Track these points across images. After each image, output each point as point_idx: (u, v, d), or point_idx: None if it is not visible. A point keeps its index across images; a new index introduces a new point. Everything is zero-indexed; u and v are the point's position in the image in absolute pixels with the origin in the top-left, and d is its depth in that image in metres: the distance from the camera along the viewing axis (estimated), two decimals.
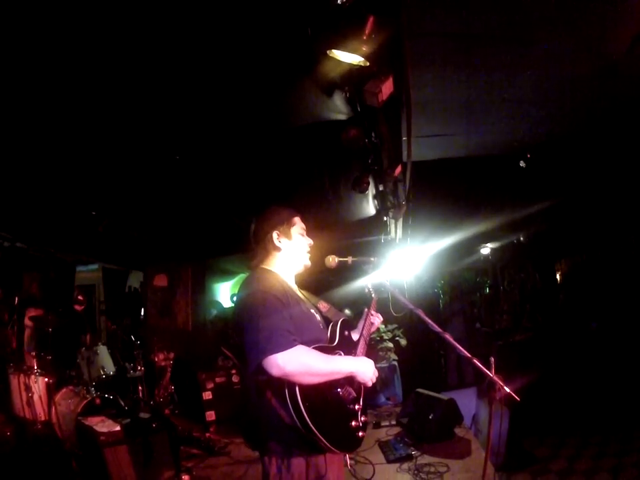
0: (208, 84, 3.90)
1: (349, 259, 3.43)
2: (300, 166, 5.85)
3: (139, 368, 7.37)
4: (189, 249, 10.14)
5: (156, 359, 7.91)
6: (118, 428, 5.37)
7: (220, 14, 3.06)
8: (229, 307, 13.87)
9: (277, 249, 2.90)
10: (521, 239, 11.69)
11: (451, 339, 2.84)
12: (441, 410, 6.63)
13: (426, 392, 7.29)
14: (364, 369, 2.71)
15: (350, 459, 6.19)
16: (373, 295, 3.59)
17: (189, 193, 6.53)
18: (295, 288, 2.95)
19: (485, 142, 6.09)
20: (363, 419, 2.74)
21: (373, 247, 9.23)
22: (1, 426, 6.10)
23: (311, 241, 3.07)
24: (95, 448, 5.18)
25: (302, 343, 2.47)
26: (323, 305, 3.19)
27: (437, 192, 7.73)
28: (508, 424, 5.64)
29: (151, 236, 8.73)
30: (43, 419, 6.20)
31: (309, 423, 2.35)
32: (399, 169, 5.34)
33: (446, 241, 8.93)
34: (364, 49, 3.06)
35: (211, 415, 7.79)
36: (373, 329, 3.42)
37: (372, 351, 3.27)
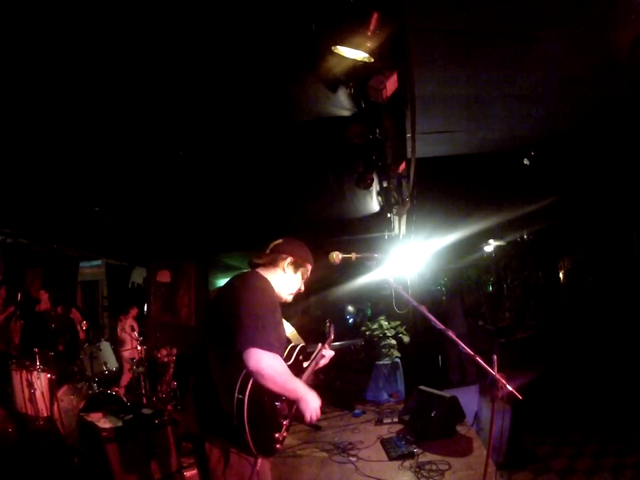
0: (213, 80, 3.90)
1: (353, 255, 3.46)
2: (304, 162, 5.85)
3: (142, 364, 7.37)
4: (192, 245, 10.16)
5: (159, 355, 7.91)
6: (120, 424, 5.36)
7: (225, 10, 3.05)
8: None
9: (282, 269, 3.15)
10: (524, 236, 11.68)
11: (454, 336, 2.84)
12: (443, 407, 6.63)
13: (428, 389, 7.29)
14: (311, 403, 2.89)
15: (353, 456, 6.22)
16: (331, 334, 3.76)
17: (192, 189, 6.53)
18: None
19: (489, 139, 6.08)
20: (284, 434, 2.95)
21: (376, 244, 9.22)
22: (3, 422, 6.11)
23: (302, 288, 3.30)
24: (97, 444, 5.17)
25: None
26: (288, 326, 3.43)
27: (441, 189, 7.73)
28: (510, 422, 5.63)
29: (154, 232, 8.74)
30: (44, 415, 6.20)
31: (245, 416, 2.58)
32: (403, 166, 5.33)
33: (449, 237, 8.92)
34: (368, 45, 3.06)
35: None
36: (322, 363, 3.57)
37: (314, 380, 3.48)
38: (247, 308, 2.71)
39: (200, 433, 2.89)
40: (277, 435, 2.86)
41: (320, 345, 3.56)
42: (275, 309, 2.90)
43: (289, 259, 3.16)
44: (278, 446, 2.89)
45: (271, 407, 2.81)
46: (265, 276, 3.04)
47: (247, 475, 2.78)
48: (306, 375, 3.28)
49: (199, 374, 2.94)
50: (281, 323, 3.01)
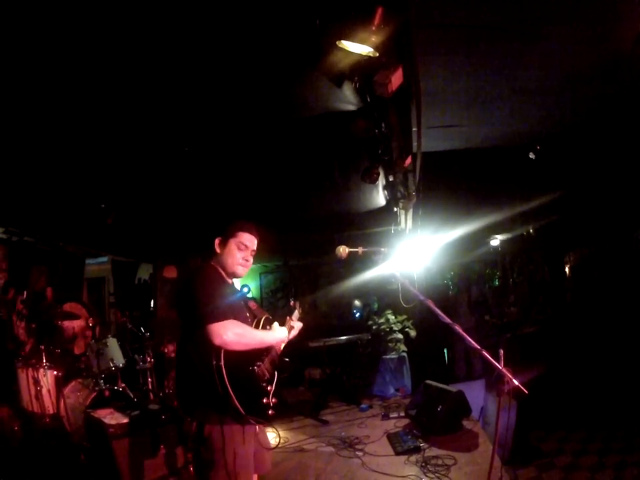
0: (217, 75, 3.90)
1: (360, 250, 3.55)
2: (310, 157, 5.84)
3: (148, 360, 7.38)
4: (199, 240, 10.16)
5: (165, 350, 7.92)
6: (126, 420, 5.38)
7: (230, 6, 3.05)
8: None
9: (218, 252, 3.47)
10: (530, 230, 11.65)
11: (461, 330, 2.84)
12: (449, 402, 6.64)
13: (435, 384, 7.30)
14: (279, 336, 3.49)
15: (358, 450, 6.23)
16: (296, 309, 4.02)
17: (198, 184, 6.53)
18: (231, 285, 3.56)
19: (494, 133, 6.07)
20: (273, 400, 3.23)
21: (383, 238, 9.22)
22: (8, 420, 6.13)
23: (249, 259, 3.51)
24: (104, 440, 5.20)
25: None
26: (252, 304, 3.74)
27: (447, 183, 7.71)
28: (515, 417, 5.63)
29: (160, 228, 8.74)
30: (51, 412, 6.21)
31: (225, 380, 2.88)
32: (409, 160, 5.33)
33: (456, 232, 8.91)
34: (373, 39, 3.06)
35: None
36: (294, 333, 3.83)
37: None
38: (199, 292, 3.13)
39: (194, 418, 3.27)
40: (264, 400, 3.16)
41: (288, 317, 3.82)
42: (221, 286, 3.30)
43: (217, 241, 3.47)
44: (270, 412, 3.18)
45: (250, 371, 3.12)
46: (214, 264, 3.44)
47: (239, 444, 3.06)
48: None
49: (180, 362, 3.30)
50: (232, 296, 3.37)
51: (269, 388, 3.24)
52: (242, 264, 3.44)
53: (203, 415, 3.08)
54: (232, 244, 3.41)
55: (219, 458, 2.99)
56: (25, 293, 7.62)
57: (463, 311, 10.90)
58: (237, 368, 2.98)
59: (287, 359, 3.79)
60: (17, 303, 7.55)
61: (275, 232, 9.10)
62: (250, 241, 3.48)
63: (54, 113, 4.26)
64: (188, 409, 3.23)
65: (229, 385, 2.87)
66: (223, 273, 3.43)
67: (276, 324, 3.60)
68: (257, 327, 3.42)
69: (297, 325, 3.84)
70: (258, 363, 3.21)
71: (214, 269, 3.40)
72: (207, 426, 3.04)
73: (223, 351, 2.93)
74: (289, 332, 3.70)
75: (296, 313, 3.94)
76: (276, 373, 3.41)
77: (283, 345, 3.66)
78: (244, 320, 3.31)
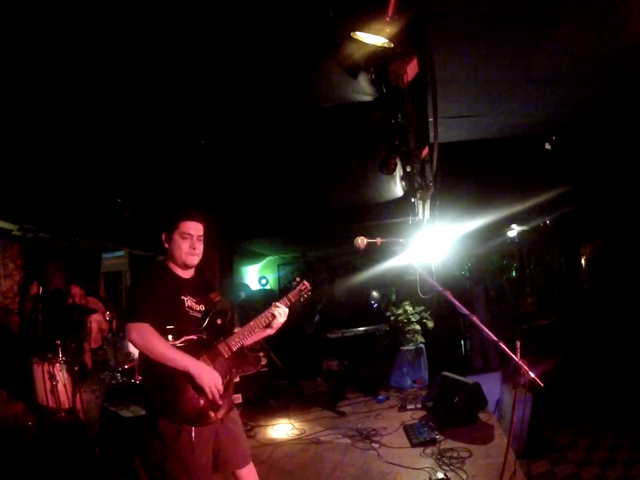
0: (235, 68, 3.90)
1: (378, 240, 3.52)
2: (328, 148, 5.84)
3: None
4: (216, 232, 10.18)
5: None
6: (143, 413, 5.41)
7: None
8: (257, 290, 13.92)
9: (167, 247, 3.44)
10: (547, 222, 11.57)
11: (478, 321, 2.83)
12: (465, 394, 6.62)
13: (451, 375, 7.29)
14: (200, 374, 3.07)
15: (374, 441, 6.24)
16: (294, 286, 3.82)
17: (215, 177, 6.54)
18: (185, 279, 3.46)
19: (510, 123, 6.03)
20: (219, 402, 3.14)
21: (400, 229, 9.20)
22: (23, 416, 6.19)
23: (196, 246, 3.43)
24: (120, 433, 5.23)
25: (159, 321, 3.07)
26: (214, 295, 3.61)
27: (464, 174, 7.68)
28: (530, 410, 5.60)
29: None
30: (66, 406, 6.25)
31: (146, 388, 3.09)
32: (425, 150, 5.32)
33: (473, 222, 8.86)
34: (387, 30, 3.05)
35: (237, 398, 7.84)
36: (278, 322, 3.62)
37: (253, 345, 3.67)
38: (131, 289, 3.39)
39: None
40: (202, 402, 3.08)
41: (273, 303, 3.64)
42: (160, 284, 3.24)
43: (163, 236, 3.45)
44: (212, 414, 3.12)
45: (173, 373, 3.01)
46: (166, 259, 3.45)
47: (185, 444, 3.03)
48: (233, 338, 3.42)
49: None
50: (172, 295, 3.26)
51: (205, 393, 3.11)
52: (190, 252, 3.39)
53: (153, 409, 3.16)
54: (176, 235, 3.39)
55: (165, 452, 3.06)
56: (41, 288, 7.68)
57: (480, 302, 10.85)
58: (153, 368, 3.02)
59: (256, 354, 3.56)
60: (39, 298, 7.63)
61: (292, 224, 9.11)
62: (194, 228, 3.43)
63: (69, 107, 4.28)
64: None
65: (145, 384, 3.08)
66: (175, 268, 3.42)
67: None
68: (202, 320, 3.35)
69: (279, 312, 3.58)
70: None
71: (161, 266, 3.45)
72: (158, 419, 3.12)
73: (138, 353, 3.10)
74: (253, 330, 3.51)
75: (293, 294, 3.74)
76: (229, 371, 3.32)
77: (250, 337, 3.50)
78: (182, 314, 3.27)
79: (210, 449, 3.22)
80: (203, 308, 3.42)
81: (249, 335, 3.48)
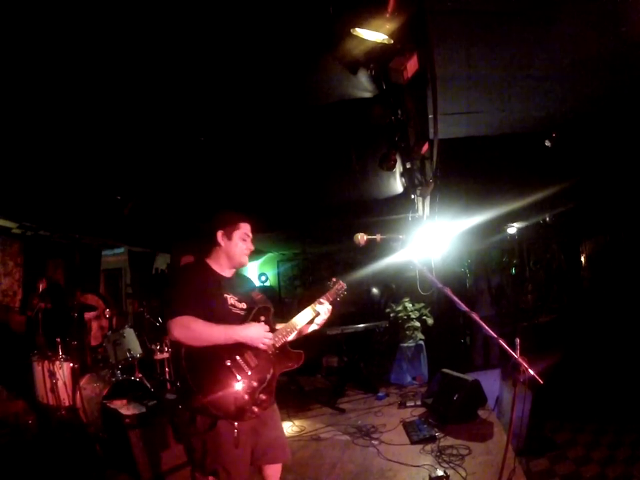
0: (233, 64, 3.89)
1: (378, 237, 3.54)
2: (327, 144, 5.83)
3: (166, 350, 7.41)
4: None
5: None
6: (144, 410, 5.41)
7: None
8: (258, 286, 13.96)
9: (219, 244, 3.46)
10: (547, 218, 11.57)
11: (478, 318, 2.84)
12: (465, 391, 6.64)
13: (451, 372, 7.30)
14: (252, 332, 3.21)
15: (374, 439, 6.25)
16: (334, 287, 3.85)
17: (215, 173, 6.53)
18: (227, 278, 3.51)
19: (510, 120, 6.02)
20: (262, 396, 3.17)
21: (400, 225, 9.19)
22: (23, 414, 6.19)
23: (251, 247, 3.55)
24: (120, 431, 5.23)
25: (203, 319, 3.07)
26: (255, 293, 3.62)
27: (464, 170, 7.66)
28: (530, 407, 5.61)
29: (177, 217, 8.76)
30: (67, 404, 6.24)
31: (189, 382, 2.98)
32: (425, 147, 5.31)
33: (473, 219, 8.86)
34: (387, 27, 3.04)
35: None
36: (321, 319, 3.68)
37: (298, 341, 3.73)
38: (171, 288, 3.26)
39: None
40: (245, 397, 3.08)
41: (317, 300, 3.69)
42: (201, 283, 3.27)
43: (219, 233, 3.45)
44: (255, 409, 3.12)
45: (222, 366, 3.07)
46: (210, 258, 3.50)
47: (227, 440, 3.05)
48: (278, 334, 3.42)
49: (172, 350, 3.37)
50: (214, 292, 3.31)
51: (253, 383, 3.16)
52: (246, 253, 3.50)
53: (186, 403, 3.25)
54: (236, 236, 3.45)
55: (200, 447, 3.11)
56: (41, 286, 7.68)
57: (480, 299, 10.85)
58: (202, 363, 3.03)
59: (297, 351, 3.57)
60: (44, 297, 7.62)
61: (292, 221, 9.09)
62: (249, 230, 3.55)
63: (68, 105, 4.27)
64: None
65: (190, 380, 2.98)
66: (216, 266, 3.47)
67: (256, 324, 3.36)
68: (244, 319, 3.33)
69: (323, 310, 3.65)
70: (234, 357, 3.14)
71: (201, 265, 3.49)
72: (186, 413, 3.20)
73: (184, 346, 3.03)
74: (305, 319, 3.58)
75: (331, 292, 3.80)
76: (272, 367, 3.32)
77: (293, 334, 3.54)
78: (224, 312, 3.28)
79: (250, 443, 3.24)
80: (245, 306, 3.46)
81: (292, 332, 3.52)
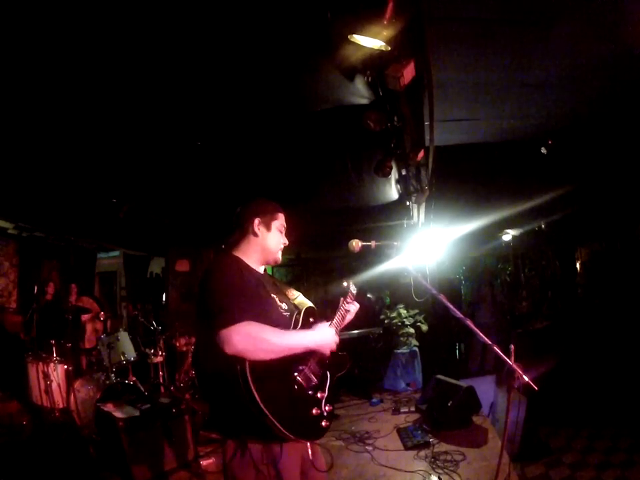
0: (230, 70, 3.90)
1: (373, 243, 3.43)
2: (323, 150, 5.84)
3: (160, 353, 7.40)
4: (211, 233, 10.17)
5: (177, 344, 7.95)
6: (137, 413, 5.40)
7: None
8: None
9: (255, 234, 2.95)
10: (542, 225, 11.60)
11: (472, 325, 2.84)
12: (459, 397, 6.63)
13: (445, 378, 7.30)
14: (324, 338, 2.77)
15: (368, 444, 6.24)
16: (350, 289, 3.39)
17: (210, 177, 6.54)
18: (261, 275, 2.98)
19: (506, 127, 6.04)
20: (327, 408, 2.75)
21: (395, 232, 9.21)
22: (17, 415, 6.17)
23: (286, 241, 3.09)
24: (114, 434, 5.22)
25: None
26: (290, 292, 3.21)
27: (459, 177, 7.69)
28: (525, 413, 5.62)
29: (172, 221, 8.76)
30: (61, 406, 6.25)
31: (257, 397, 2.34)
32: (421, 154, 5.32)
33: (468, 226, 8.88)
34: (384, 33, 3.05)
35: None
36: (349, 317, 3.29)
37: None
38: (215, 292, 2.56)
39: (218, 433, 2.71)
40: (314, 411, 2.66)
41: (342, 299, 3.25)
42: (244, 280, 2.66)
43: (256, 220, 2.96)
44: (324, 423, 2.74)
45: (291, 380, 2.59)
46: (240, 251, 2.94)
47: (294, 464, 2.66)
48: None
49: (203, 364, 2.74)
50: (259, 290, 2.77)
51: (319, 395, 2.72)
52: (281, 248, 3.07)
53: (228, 430, 2.63)
54: (273, 226, 3.00)
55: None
56: (36, 287, 7.66)
57: (474, 306, 10.86)
58: (270, 377, 2.46)
59: (342, 353, 3.07)
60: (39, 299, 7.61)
61: (286, 226, 9.09)
62: (285, 222, 3.13)
63: (66, 107, 4.28)
64: (213, 419, 2.72)
65: (261, 404, 2.34)
66: (251, 262, 2.93)
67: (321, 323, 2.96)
68: (295, 322, 2.82)
69: (353, 308, 3.26)
70: (300, 367, 2.65)
71: (237, 261, 2.84)
72: (230, 441, 2.57)
73: (247, 360, 2.40)
74: (341, 323, 3.13)
75: (351, 293, 3.31)
76: (328, 373, 2.87)
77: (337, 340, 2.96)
78: (277, 315, 2.76)
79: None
80: (286, 307, 2.91)
81: (337, 329, 3.05)
